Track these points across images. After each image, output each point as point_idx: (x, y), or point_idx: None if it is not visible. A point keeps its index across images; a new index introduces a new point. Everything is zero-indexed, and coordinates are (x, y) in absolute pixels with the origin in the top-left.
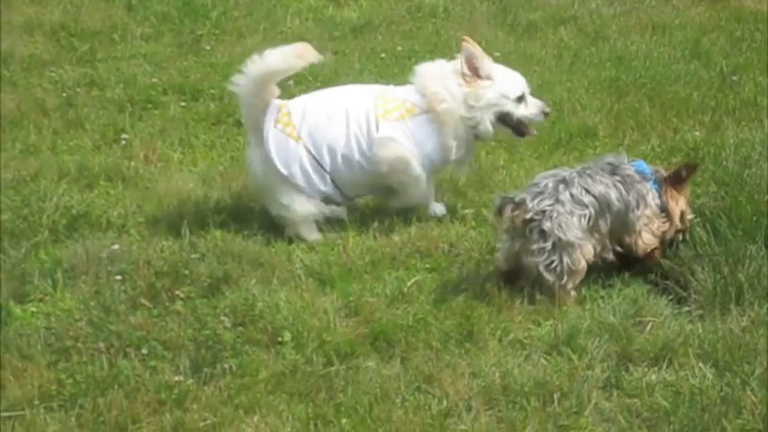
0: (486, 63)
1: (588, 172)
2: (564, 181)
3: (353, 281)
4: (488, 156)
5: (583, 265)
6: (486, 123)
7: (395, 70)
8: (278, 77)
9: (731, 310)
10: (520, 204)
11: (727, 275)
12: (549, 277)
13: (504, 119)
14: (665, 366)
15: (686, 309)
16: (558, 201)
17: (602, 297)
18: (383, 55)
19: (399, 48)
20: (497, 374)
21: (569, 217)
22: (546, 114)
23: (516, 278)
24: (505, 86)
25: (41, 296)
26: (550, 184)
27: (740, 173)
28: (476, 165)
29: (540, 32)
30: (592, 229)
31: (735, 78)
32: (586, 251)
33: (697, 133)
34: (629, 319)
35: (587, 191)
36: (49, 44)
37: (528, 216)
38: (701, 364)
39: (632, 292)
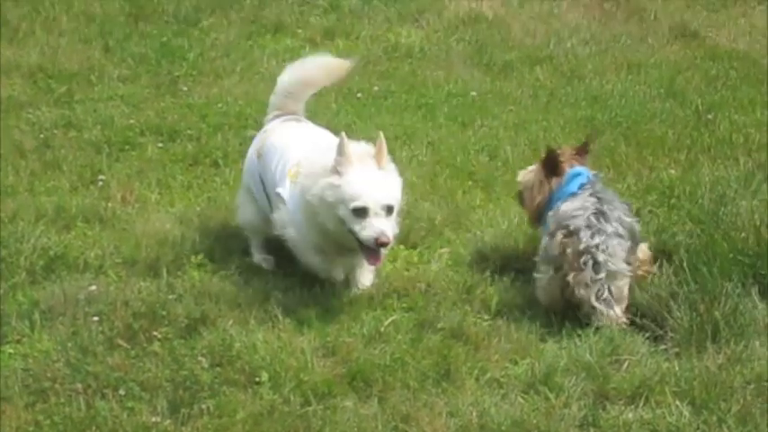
0: (348, 162)
1: (610, 201)
2: (602, 213)
3: (331, 321)
4: (465, 195)
5: (626, 292)
6: (327, 223)
7: (371, 110)
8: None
9: (707, 347)
10: (574, 233)
11: (704, 313)
12: (603, 308)
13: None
14: (641, 404)
15: (663, 347)
16: (606, 233)
17: (578, 335)
18: (359, 95)
19: (376, 87)
20: (474, 413)
21: (618, 248)
22: (382, 244)
23: (557, 308)
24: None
25: (18, 337)
26: (592, 217)
27: (716, 210)
28: (452, 204)
29: (516, 72)
30: (628, 257)
31: (710, 117)
32: (629, 279)
33: (672, 171)
34: (606, 358)
35: (620, 222)
36: (27, 86)
37: (581, 247)
38: (677, 402)
39: (608, 331)
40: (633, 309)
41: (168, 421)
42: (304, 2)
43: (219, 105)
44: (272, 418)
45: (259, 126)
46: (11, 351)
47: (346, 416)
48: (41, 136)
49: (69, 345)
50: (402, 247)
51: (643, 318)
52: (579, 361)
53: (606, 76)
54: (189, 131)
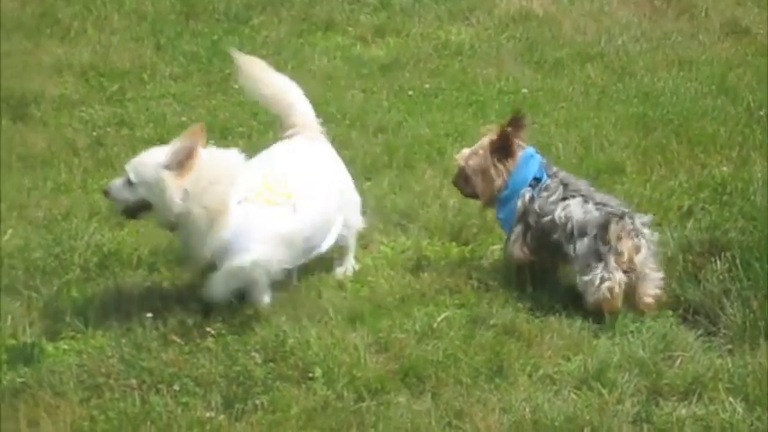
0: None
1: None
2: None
3: (383, 317)
4: None
5: None
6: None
7: (422, 108)
8: None
9: (761, 344)
10: (619, 217)
11: (757, 309)
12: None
13: None
14: (695, 401)
15: (716, 343)
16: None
17: (631, 332)
18: (411, 92)
19: (427, 85)
20: (528, 409)
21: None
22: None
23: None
24: None
25: (73, 333)
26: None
27: None
28: None
29: (567, 69)
30: None
31: (762, 113)
32: None
33: (724, 168)
34: (659, 354)
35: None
36: (79, 84)
37: (630, 228)
38: (731, 399)
39: (661, 327)
40: (686, 305)
41: (222, 416)
42: (354, 0)
43: None
44: (325, 413)
45: None
46: (65, 347)
47: (399, 411)
48: (94, 134)
49: (123, 341)
50: (454, 243)
51: (696, 314)
52: (632, 357)
53: (657, 73)
54: (240, 129)
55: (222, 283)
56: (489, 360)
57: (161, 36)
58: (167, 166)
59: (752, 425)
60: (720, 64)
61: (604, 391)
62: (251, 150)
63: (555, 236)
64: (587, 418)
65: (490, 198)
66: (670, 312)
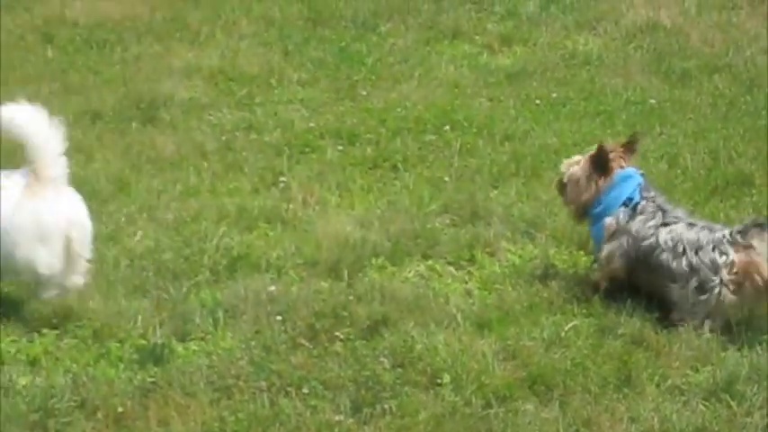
0: None
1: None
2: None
3: (511, 325)
4: None
5: None
6: None
7: (549, 117)
8: None
9: None
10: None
11: None
12: None
13: None
14: None
15: None
16: None
17: (759, 343)
18: (538, 101)
19: (554, 94)
20: (656, 420)
21: None
22: None
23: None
24: None
25: (203, 335)
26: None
27: None
28: None
29: (695, 80)
30: None
31: None
32: None
33: None
34: None
35: None
36: (208, 88)
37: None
38: None
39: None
40: None
41: (351, 420)
42: (481, 8)
43: (398, 110)
44: (453, 419)
45: (438, 131)
46: (195, 348)
47: (527, 419)
48: (223, 138)
49: (253, 343)
50: (582, 252)
51: None
52: (761, 369)
53: None
54: (368, 135)
55: None
56: (617, 369)
57: (289, 42)
58: None
59: None
60: None
61: (733, 403)
62: (378, 157)
63: (662, 257)
64: (716, 429)
65: (577, 210)
66: None
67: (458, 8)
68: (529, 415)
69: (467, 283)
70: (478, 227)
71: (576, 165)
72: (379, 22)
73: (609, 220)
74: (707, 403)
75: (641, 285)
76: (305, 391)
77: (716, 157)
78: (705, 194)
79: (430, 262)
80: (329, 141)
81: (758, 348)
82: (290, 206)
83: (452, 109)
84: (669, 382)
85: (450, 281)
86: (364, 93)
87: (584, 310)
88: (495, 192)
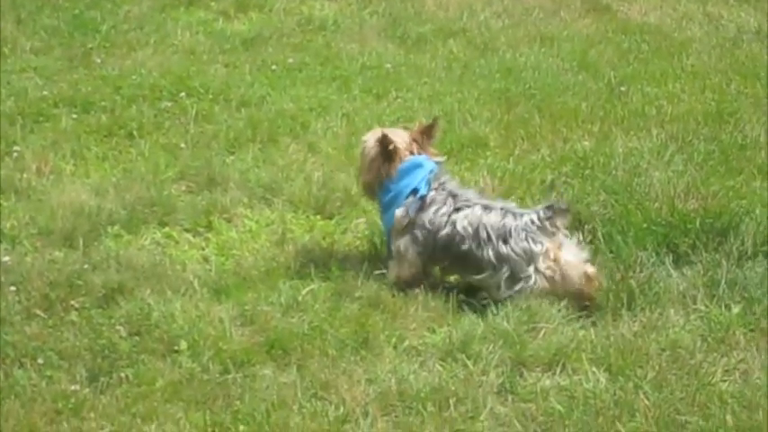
0: None
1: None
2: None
3: (248, 290)
4: None
5: None
6: None
7: (286, 82)
8: None
9: (623, 315)
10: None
11: (619, 282)
12: None
13: None
14: (558, 371)
15: (578, 315)
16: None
17: (495, 304)
18: (274, 67)
19: (290, 60)
20: (393, 381)
21: None
22: None
23: None
24: None
25: None
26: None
27: (630, 181)
28: None
29: (430, 45)
30: None
31: (623, 89)
32: None
33: (586, 143)
34: (523, 326)
35: None
36: None
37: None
38: (594, 369)
39: (525, 300)
40: None
41: (87, 390)
42: None
43: (133, 77)
44: (191, 386)
45: (173, 98)
46: None
47: (265, 384)
48: None
49: None
50: (318, 217)
51: None
52: (496, 329)
53: (519, 48)
54: (103, 103)
55: None
56: (355, 332)
57: (21, 10)
58: None
59: (614, 394)
60: (581, 40)
61: (469, 363)
62: (113, 124)
63: (463, 246)
64: (452, 388)
65: (362, 186)
66: None
67: None
68: (267, 379)
69: (204, 249)
70: (215, 193)
71: (373, 138)
72: None
73: (399, 213)
74: (444, 363)
75: (449, 274)
76: (40, 361)
77: (451, 120)
78: None
79: (166, 229)
80: (63, 110)
81: (493, 308)
82: (24, 176)
83: (188, 76)
84: (406, 343)
85: (186, 248)
86: (99, 60)
87: (322, 275)
88: (232, 158)
